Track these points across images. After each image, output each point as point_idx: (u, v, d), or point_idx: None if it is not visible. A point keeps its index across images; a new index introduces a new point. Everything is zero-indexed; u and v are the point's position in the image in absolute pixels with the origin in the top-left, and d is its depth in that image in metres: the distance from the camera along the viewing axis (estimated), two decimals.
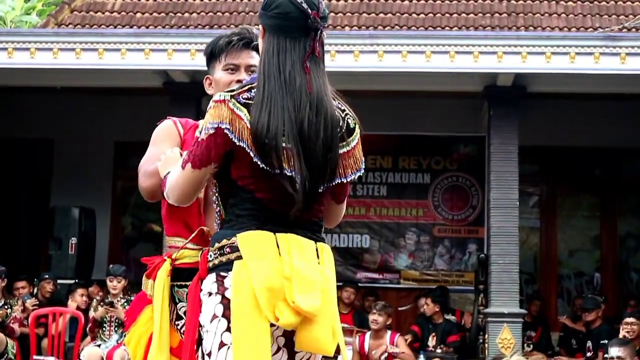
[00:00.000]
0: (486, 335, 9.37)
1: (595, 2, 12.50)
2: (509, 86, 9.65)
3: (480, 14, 12.37)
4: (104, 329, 8.95)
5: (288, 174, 2.56)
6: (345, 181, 2.70)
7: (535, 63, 9.10)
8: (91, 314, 9.19)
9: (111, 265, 9.73)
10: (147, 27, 12.14)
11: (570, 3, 12.53)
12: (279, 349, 2.59)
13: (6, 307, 9.43)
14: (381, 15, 12.44)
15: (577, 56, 9.03)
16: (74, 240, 11.07)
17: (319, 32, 2.69)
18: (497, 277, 9.41)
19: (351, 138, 2.71)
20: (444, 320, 10.01)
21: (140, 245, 12.65)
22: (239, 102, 2.60)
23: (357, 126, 2.75)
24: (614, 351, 7.86)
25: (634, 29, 11.51)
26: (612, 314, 11.05)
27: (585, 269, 12.18)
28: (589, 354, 9.40)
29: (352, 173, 2.71)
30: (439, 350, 9.60)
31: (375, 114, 10.32)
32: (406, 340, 9.45)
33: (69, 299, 10.05)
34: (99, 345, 8.85)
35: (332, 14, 12.47)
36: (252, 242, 2.57)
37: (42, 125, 12.24)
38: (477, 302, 10.03)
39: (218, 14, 12.59)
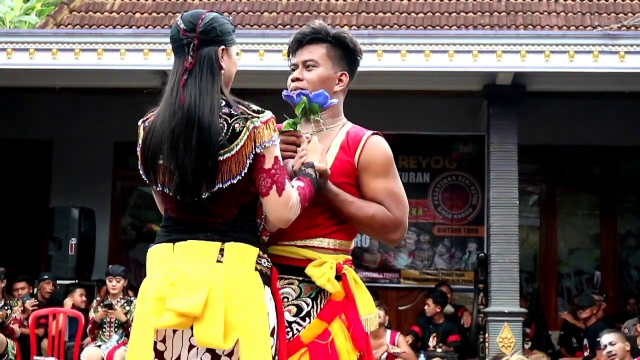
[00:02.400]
0: (486, 335, 9.36)
1: (594, 1, 12.50)
2: (508, 85, 9.64)
3: (479, 13, 12.38)
4: (103, 329, 8.95)
5: (159, 189, 2.91)
6: (222, 187, 2.80)
7: (535, 62, 9.10)
8: (91, 314, 9.20)
9: (110, 266, 9.73)
10: (146, 27, 12.14)
11: (569, 1, 12.53)
12: (191, 347, 2.78)
13: (6, 307, 9.43)
14: (380, 14, 12.44)
15: (576, 55, 9.03)
16: (73, 240, 11.07)
17: (191, 45, 2.90)
18: (497, 276, 9.41)
19: (235, 143, 2.79)
20: (445, 320, 10.02)
21: (140, 246, 12.64)
22: (143, 126, 3.04)
23: (245, 129, 2.81)
24: (606, 339, 7.90)
25: (632, 27, 11.50)
26: (613, 312, 11.06)
27: (585, 268, 12.18)
28: (586, 353, 9.41)
29: (231, 178, 2.80)
30: (439, 350, 9.61)
31: (374, 114, 10.32)
32: (407, 341, 9.46)
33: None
34: (99, 346, 8.85)
35: (331, 13, 12.48)
36: (151, 256, 2.89)
37: (41, 126, 12.24)
38: (477, 301, 10.03)
39: None
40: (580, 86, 9.96)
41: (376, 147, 3.20)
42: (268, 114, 2.86)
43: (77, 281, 10.62)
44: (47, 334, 9.34)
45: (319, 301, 3.06)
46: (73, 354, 9.10)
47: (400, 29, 11.89)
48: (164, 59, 9.30)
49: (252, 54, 9.09)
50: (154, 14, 12.63)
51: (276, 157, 2.84)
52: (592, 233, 12.34)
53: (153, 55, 9.33)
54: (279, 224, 2.89)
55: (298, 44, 3.25)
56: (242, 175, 2.80)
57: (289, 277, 3.07)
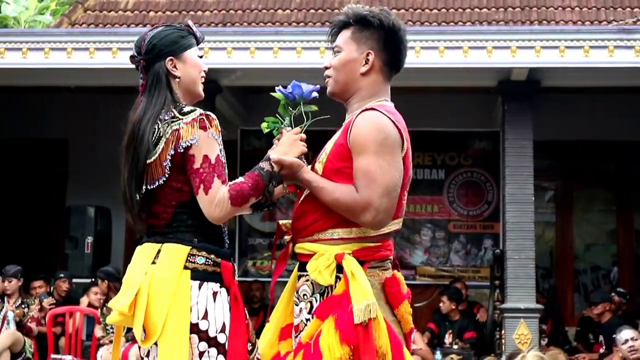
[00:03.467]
0: (503, 331, 9.34)
1: None
2: (523, 81, 9.61)
3: (494, 9, 12.34)
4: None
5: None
6: (151, 187, 3.06)
7: (549, 57, 9.06)
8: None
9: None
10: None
11: None
12: None
13: (23, 306, 9.48)
14: (394, 11, 12.41)
15: (592, 50, 8.99)
16: (89, 239, 11.11)
17: (139, 68, 3.21)
18: (513, 273, 9.39)
19: (157, 148, 3.01)
20: (461, 317, 10.01)
21: None
22: None
23: (165, 133, 3.01)
24: (625, 334, 7.86)
25: None
26: (630, 308, 11.02)
27: (602, 264, 12.14)
28: (602, 350, 9.38)
29: (157, 179, 3.03)
30: (455, 347, 9.59)
31: None
32: (424, 340, 9.45)
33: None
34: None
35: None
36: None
37: (56, 125, 12.28)
38: (492, 297, 10.01)
39: (231, 11, 12.60)
40: (595, 81, 9.92)
41: (361, 122, 2.99)
42: (194, 114, 2.99)
43: (93, 279, 10.65)
44: (65, 332, 9.38)
45: (325, 297, 2.97)
46: (90, 353, 9.13)
47: (414, 25, 11.87)
48: None
49: (266, 52, 9.08)
50: (167, 13, 12.65)
51: (205, 156, 2.95)
52: (608, 229, 12.29)
53: None
54: (211, 220, 2.98)
55: (332, 35, 3.26)
56: (166, 176, 3.00)
57: (305, 273, 3.03)
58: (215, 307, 2.93)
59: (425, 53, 9.10)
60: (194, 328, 2.90)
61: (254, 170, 3.03)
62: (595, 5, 12.26)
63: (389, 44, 3.11)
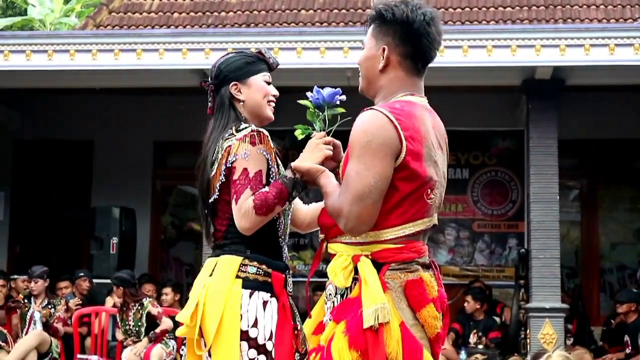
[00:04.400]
0: (528, 331, 9.31)
1: None
2: (547, 79, 9.57)
3: (518, 7, 12.30)
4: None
5: None
6: (210, 202, 3.23)
7: (574, 55, 9.02)
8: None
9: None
10: (184, 27, 12.22)
11: None
12: None
13: (50, 307, 9.54)
14: None
15: (617, 48, 8.94)
16: (115, 239, 11.16)
17: (209, 93, 3.41)
18: (538, 272, 9.35)
19: (214, 165, 3.21)
20: (485, 317, 9.98)
21: (180, 245, 12.72)
22: None
23: (221, 149, 3.19)
24: None
25: None
26: None
27: (628, 262, 12.06)
28: (628, 350, 9.32)
29: (213, 194, 3.20)
30: (480, 347, 9.57)
31: None
32: (448, 340, 9.42)
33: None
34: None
35: (368, 10, 12.45)
36: None
37: (82, 126, 12.35)
38: (517, 297, 9.97)
39: (254, 12, 12.63)
40: (620, 79, 9.85)
41: (354, 124, 2.92)
42: (245, 131, 3.15)
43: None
44: (90, 332, 9.44)
45: (344, 299, 2.95)
46: (116, 353, 9.18)
47: None
48: (202, 59, 9.34)
49: (289, 52, 9.10)
50: (192, 14, 12.70)
51: (244, 169, 3.10)
52: (634, 227, 12.20)
53: (191, 54, 9.38)
54: (241, 231, 3.10)
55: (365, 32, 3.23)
56: (218, 190, 3.18)
57: None
58: (265, 315, 3.08)
59: (449, 52, 9.08)
60: (244, 335, 3.04)
61: (278, 178, 3.12)
62: (620, 3, 12.19)
63: (406, 37, 2.98)
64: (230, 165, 3.13)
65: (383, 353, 2.71)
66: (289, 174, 3.11)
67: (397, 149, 2.81)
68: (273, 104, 3.38)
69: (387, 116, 2.82)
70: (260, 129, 3.18)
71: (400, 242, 2.88)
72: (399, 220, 2.86)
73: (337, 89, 3.21)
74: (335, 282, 2.88)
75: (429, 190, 2.89)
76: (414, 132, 2.85)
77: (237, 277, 3.10)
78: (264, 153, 3.13)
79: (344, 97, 3.22)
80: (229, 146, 3.15)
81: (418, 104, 2.97)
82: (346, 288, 2.90)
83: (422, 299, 2.85)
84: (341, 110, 3.21)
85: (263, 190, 3.06)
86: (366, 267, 2.83)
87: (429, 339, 2.85)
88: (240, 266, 3.12)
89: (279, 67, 3.40)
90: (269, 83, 3.38)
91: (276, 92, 3.37)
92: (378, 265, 2.84)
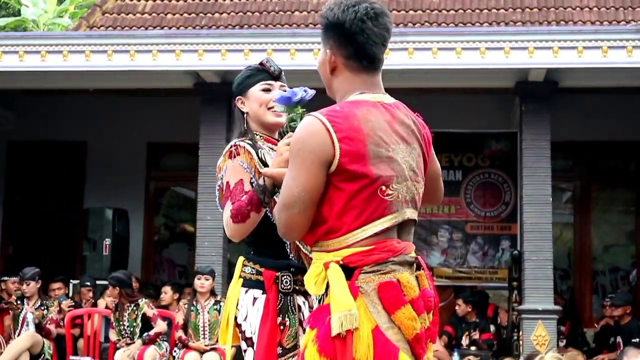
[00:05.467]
0: (520, 332, 9.32)
1: None
2: (540, 81, 9.59)
3: (511, 9, 12.32)
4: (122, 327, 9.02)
5: None
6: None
7: (567, 58, 9.04)
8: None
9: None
10: (178, 28, 12.21)
11: None
12: None
13: (42, 308, 9.51)
14: (411, 12, 12.42)
15: (610, 50, 8.96)
16: (107, 241, 11.14)
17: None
18: (531, 274, 9.37)
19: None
20: (477, 319, 9.99)
21: (173, 246, 12.72)
22: None
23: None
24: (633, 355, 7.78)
25: None
26: None
27: (621, 264, 12.08)
28: (619, 352, 9.32)
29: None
30: (473, 349, 9.57)
31: None
32: (441, 343, 9.43)
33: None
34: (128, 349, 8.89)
35: None
36: None
37: (75, 128, 12.34)
38: (511, 299, 9.99)
39: (248, 13, 12.63)
40: (613, 81, 9.87)
41: None
42: (228, 146, 3.48)
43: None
44: (83, 334, 9.42)
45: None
46: (108, 354, 9.16)
47: (431, 26, 11.86)
48: (195, 60, 9.34)
49: (283, 53, 9.10)
50: (185, 15, 12.70)
51: (227, 183, 3.39)
52: (627, 229, 12.23)
53: (185, 56, 9.38)
54: (229, 238, 3.41)
55: None
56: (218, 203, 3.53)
57: None
58: (253, 311, 3.37)
59: (443, 54, 9.09)
60: (239, 328, 3.39)
61: (253, 186, 3.34)
62: (613, 5, 12.21)
63: (342, 38, 2.91)
64: (220, 183, 3.46)
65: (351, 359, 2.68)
66: (260, 180, 3.30)
67: (329, 154, 2.74)
68: (274, 109, 3.50)
69: (321, 121, 2.76)
70: (239, 143, 3.45)
71: (370, 243, 2.81)
72: (356, 223, 2.79)
73: (305, 88, 3.23)
74: (310, 290, 2.85)
75: (383, 187, 2.78)
76: (352, 132, 2.77)
77: (240, 276, 3.45)
78: (242, 163, 3.39)
79: (311, 93, 3.21)
80: (219, 166, 3.50)
81: (366, 101, 2.87)
82: (323, 295, 2.84)
83: (396, 301, 2.76)
84: (300, 111, 3.21)
85: (241, 199, 3.30)
86: (333, 274, 2.78)
87: (409, 340, 2.81)
88: (242, 267, 3.46)
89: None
90: (268, 90, 3.56)
91: (270, 97, 3.45)
92: (350, 270, 2.78)
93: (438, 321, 2.92)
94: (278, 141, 3.42)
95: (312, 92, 3.24)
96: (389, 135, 2.83)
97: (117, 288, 8.96)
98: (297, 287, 3.41)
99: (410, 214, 2.89)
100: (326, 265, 2.79)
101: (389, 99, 2.93)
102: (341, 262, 2.78)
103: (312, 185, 2.76)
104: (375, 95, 2.90)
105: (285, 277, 3.39)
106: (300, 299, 3.42)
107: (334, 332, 2.68)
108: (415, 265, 2.92)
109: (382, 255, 2.79)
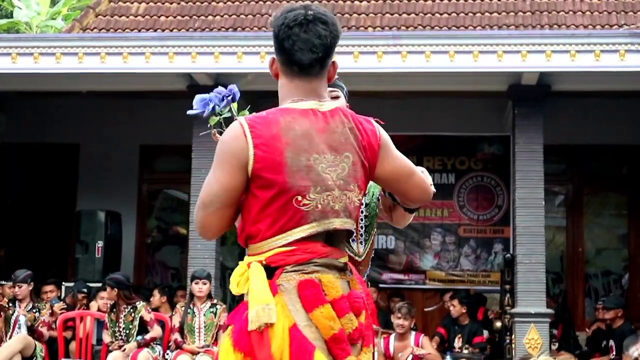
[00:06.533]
0: (513, 336, 9.33)
1: None
2: (533, 85, 9.61)
3: (504, 13, 12.33)
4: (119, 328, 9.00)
5: None
6: None
7: (560, 61, 9.06)
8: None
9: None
10: (171, 31, 12.20)
11: (594, 1, 12.46)
12: None
13: (34, 310, 9.49)
14: (404, 15, 12.43)
15: (602, 54, 8.98)
16: (100, 243, 11.13)
17: None
18: (524, 277, 9.38)
19: None
20: (470, 322, 9.99)
21: (166, 248, 12.70)
22: None
23: None
24: (634, 350, 7.81)
25: None
26: None
27: (613, 268, 12.10)
28: (612, 355, 9.33)
29: None
30: (465, 351, 9.58)
31: (399, 115, 10.31)
32: (433, 345, 9.43)
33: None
34: (124, 350, 8.87)
35: (355, 14, 12.48)
36: None
37: (68, 130, 12.32)
38: (503, 302, 10.00)
39: (241, 16, 12.62)
40: (606, 85, 9.90)
41: None
42: None
43: (103, 284, 10.66)
44: (75, 336, 9.40)
45: None
46: (100, 357, 9.14)
47: (425, 29, 11.87)
48: (188, 62, 9.34)
49: None
50: (178, 17, 12.69)
51: None
52: (619, 233, 12.26)
53: (178, 58, 9.37)
54: None
55: None
56: None
57: None
58: None
59: (436, 57, 9.10)
60: None
61: None
62: (606, 9, 12.24)
63: (276, 45, 2.97)
64: None
65: (268, 354, 2.68)
66: None
67: (245, 158, 2.78)
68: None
69: (241, 125, 2.81)
70: None
71: (295, 244, 2.82)
72: (270, 231, 2.82)
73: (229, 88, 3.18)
74: (232, 290, 2.87)
75: (298, 196, 2.78)
76: (269, 139, 2.79)
77: None
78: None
79: (231, 88, 3.21)
80: None
81: (295, 109, 2.88)
82: (246, 294, 2.87)
83: (315, 300, 2.77)
84: (221, 112, 3.21)
85: None
86: (253, 271, 2.81)
87: (325, 340, 2.81)
88: None
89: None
90: None
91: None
92: (273, 270, 2.81)
93: (370, 325, 2.86)
94: None
95: (226, 93, 3.19)
96: (313, 144, 2.81)
97: (115, 289, 8.94)
98: None
99: (340, 223, 2.84)
100: (249, 265, 2.83)
101: (326, 107, 2.89)
102: (264, 262, 2.81)
103: (229, 186, 2.80)
104: (309, 103, 2.89)
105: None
106: None
107: (250, 327, 2.70)
108: (346, 271, 2.88)
109: (305, 256, 2.81)
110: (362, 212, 3.39)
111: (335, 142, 2.84)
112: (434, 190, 3.10)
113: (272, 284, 2.78)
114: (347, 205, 2.84)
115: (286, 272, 2.80)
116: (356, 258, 3.36)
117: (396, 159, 2.95)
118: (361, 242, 3.40)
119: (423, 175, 3.07)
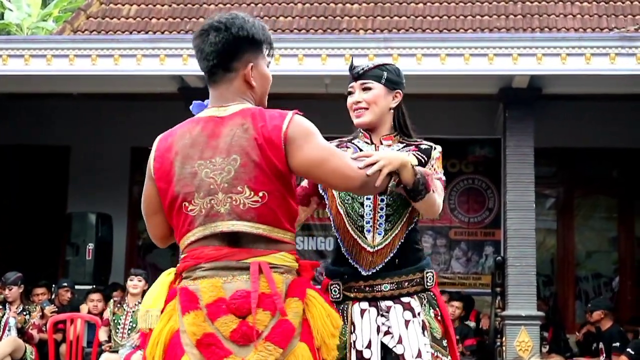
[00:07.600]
0: (504, 338, 9.34)
1: (611, 3, 12.46)
2: (524, 88, 9.62)
3: (495, 16, 12.36)
4: (117, 330, 8.98)
5: None
6: None
7: (551, 64, 9.08)
8: (105, 314, 9.24)
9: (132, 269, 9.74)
10: (162, 33, 12.19)
11: (585, 4, 12.49)
12: None
13: (25, 313, 9.47)
14: (395, 18, 12.44)
15: (593, 57, 9.00)
16: (91, 246, 11.11)
17: None
18: (514, 280, 9.39)
19: None
20: (461, 325, 9.99)
21: (157, 251, 12.67)
22: None
23: None
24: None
25: None
26: (631, 315, 11.02)
27: (603, 271, 12.13)
28: (602, 357, 9.34)
29: None
30: None
31: None
32: None
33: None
34: (116, 351, 8.87)
35: (346, 17, 12.49)
36: None
37: (58, 132, 12.30)
38: (494, 304, 10.01)
39: None
40: (597, 88, 9.93)
41: None
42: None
43: (94, 286, 10.64)
44: (65, 339, 9.38)
45: None
46: (90, 359, 9.13)
47: (416, 32, 11.89)
48: (180, 64, 9.33)
49: None
50: (170, 20, 12.68)
51: None
52: (610, 236, 12.29)
53: (169, 60, 9.36)
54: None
55: None
56: None
57: None
58: None
59: (427, 60, 9.11)
60: None
61: None
62: (596, 12, 12.27)
63: None
64: None
65: (145, 354, 2.88)
66: None
67: (150, 170, 2.99)
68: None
69: (156, 140, 3.05)
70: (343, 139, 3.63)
71: (187, 251, 2.92)
72: (177, 237, 2.97)
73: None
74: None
75: (185, 203, 2.86)
76: (164, 151, 2.96)
77: None
78: None
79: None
80: None
81: (198, 118, 2.97)
82: None
83: (184, 307, 2.83)
84: None
85: None
86: (159, 279, 3.01)
87: (196, 345, 2.82)
88: None
89: None
90: (350, 93, 3.64)
91: (350, 100, 3.58)
92: (178, 276, 2.97)
93: (281, 324, 2.78)
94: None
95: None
96: (201, 151, 2.87)
97: (143, 281, 9.13)
98: (351, 295, 3.30)
99: (227, 226, 2.84)
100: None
101: (228, 111, 2.91)
102: (174, 269, 3.02)
103: (146, 197, 3.02)
104: (210, 110, 2.96)
105: (334, 286, 3.33)
106: (362, 305, 3.30)
107: (140, 327, 2.99)
108: (248, 269, 2.84)
109: (189, 263, 2.90)
110: (382, 200, 3.36)
111: (226, 145, 2.84)
112: (361, 181, 2.91)
113: (172, 289, 2.94)
114: (234, 207, 2.82)
115: (183, 278, 2.92)
116: (368, 249, 3.32)
117: (310, 150, 2.83)
118: (379, 233, 3.34)
119: (354, 162, 2.93)
